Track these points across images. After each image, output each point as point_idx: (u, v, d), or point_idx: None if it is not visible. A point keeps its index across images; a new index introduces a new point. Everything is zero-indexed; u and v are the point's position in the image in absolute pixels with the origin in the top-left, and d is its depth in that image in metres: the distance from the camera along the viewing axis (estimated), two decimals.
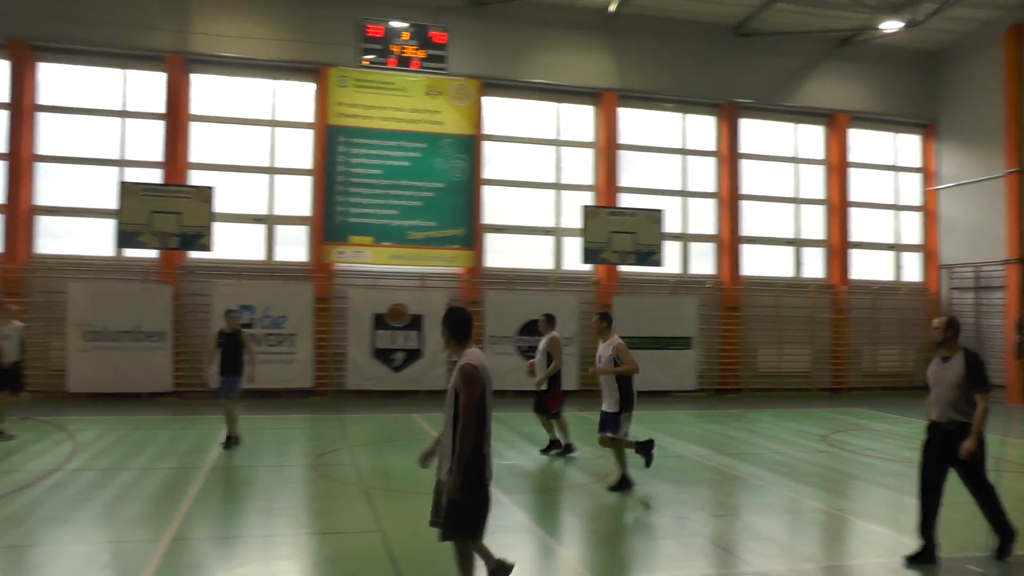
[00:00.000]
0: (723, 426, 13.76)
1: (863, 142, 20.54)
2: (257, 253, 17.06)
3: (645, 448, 8.83)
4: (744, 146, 19.47)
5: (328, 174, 16.84)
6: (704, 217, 19.45)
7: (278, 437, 11.84)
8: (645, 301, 18.09)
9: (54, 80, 16.71)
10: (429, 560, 6.36)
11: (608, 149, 18.37)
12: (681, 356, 18.07)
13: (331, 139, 16.85)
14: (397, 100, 17.15)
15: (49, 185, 16.64)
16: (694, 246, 19.37)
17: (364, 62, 16.35)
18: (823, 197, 20.27)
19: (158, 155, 16.62)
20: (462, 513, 4.79)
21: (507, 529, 7.34)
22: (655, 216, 17.91)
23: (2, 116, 16.37)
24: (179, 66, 16.55)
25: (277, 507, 7.89)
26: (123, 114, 16.82)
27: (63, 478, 9.05)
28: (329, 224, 16.76)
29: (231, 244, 16.67)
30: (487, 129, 17.95)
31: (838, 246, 19.96)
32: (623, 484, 8.64)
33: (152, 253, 16.38)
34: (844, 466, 10.35)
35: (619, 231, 17.54)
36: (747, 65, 19.13)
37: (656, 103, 19.03)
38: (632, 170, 18.84)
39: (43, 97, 16.59)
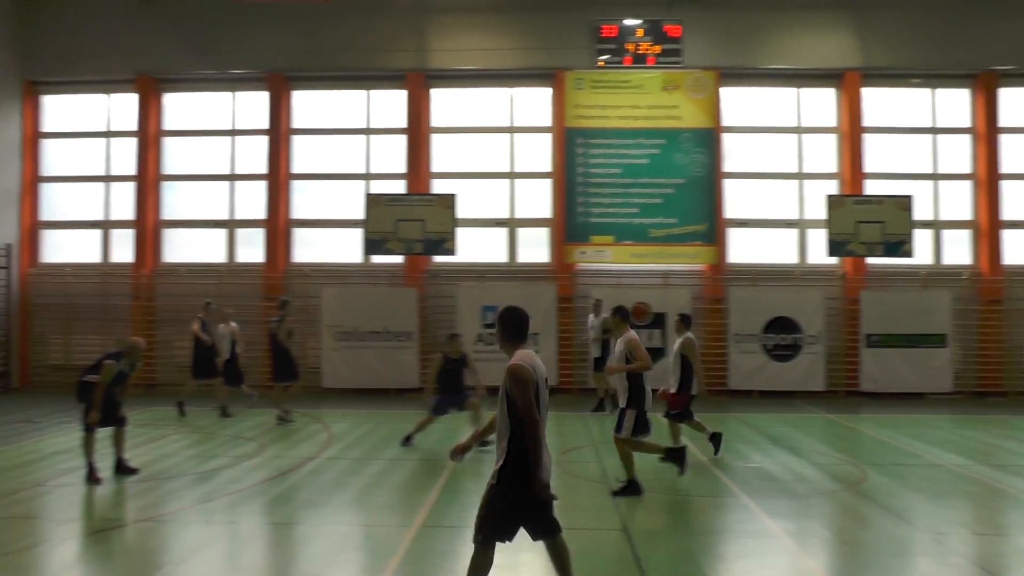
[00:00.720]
0: (984, 433, 12.76)
1: None
2: (499, 255, 17.75)
3: (676, 455, 8.45)
4: (1004, 119, 17.93)
5: (568, 176, 17.22)
6: (958, 202, 18.13)
7: None
8: (894, 295, 17.12)
9: (305, 105, 18.26)
10: (674, 561, 6.40)
11: (852, 133, 17.55)
12: (934, 355, 16.89)
13: (569, 141, 17.22)
14: (634, 98, 17.26)
15: (303, 200, 18.08)
16: (947, 234, 18.10)
17: (599, 63, 16.52)
18: None
19: (401, 167, 17.69)
20: (487, 511, 4.73)
21: (752, 535, 7.16)
22: (904, 203, 16.92)
23: (262, 141, 17.97)
24: (419, 83, 17.55)
25: None
26: (367, 131, 18.09)
27: (320, 465, 9.88)
28: (570, 225, 17.13)
29: (474, 247, 17.42)
30: (726, 121, 17.68)
31: None
32: (630, 488, 8.22)
33: (398, 259, 17.42)
34: None
35: (866, 221, 16.71)
36: (1006, 27, 17.47)
37: (902, 80, 17.96)
38: (878, 154, 17.88)
39: (296, 121, 18.17)
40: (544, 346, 16.63)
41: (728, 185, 17.64)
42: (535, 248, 17.71)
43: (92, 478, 8.80)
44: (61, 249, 18.90)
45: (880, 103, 17.97)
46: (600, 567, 6.19)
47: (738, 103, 17.90)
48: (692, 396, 10.16)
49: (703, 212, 17.18)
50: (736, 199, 17.71)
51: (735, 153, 17.80)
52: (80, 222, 18.84)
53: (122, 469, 9.20)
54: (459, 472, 9.46)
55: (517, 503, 4.67)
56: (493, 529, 4.76)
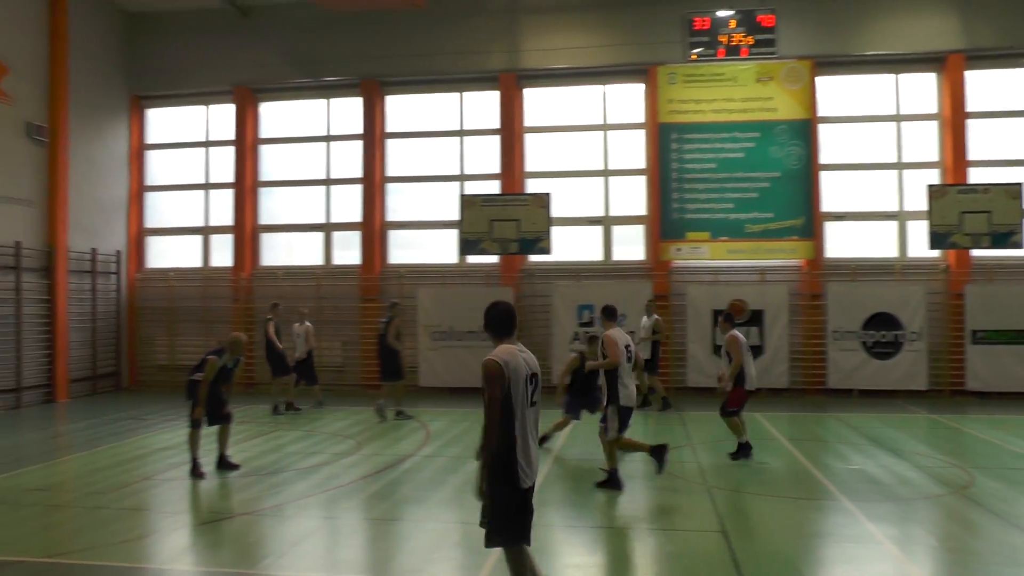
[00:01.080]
0: None
1: None
2: (595, 254, 18.10)
3: (658, 452, 8.91)
4: None
5: (662, 172, 17.46)
6: None
7: (643, 433, 12.26)
8: (1003, 289, 16.73)
9: (399, 110, 18.98)
10: (773, 564, 6.38)
11: (954, 119, 17.25)
12: None
13: (663, 137, 17.46)
14: (727, 91, 17.38)
15: (398, 202, 18.79)
16: None
17: (692, 56, 16.54)
18: None
19: (495, 167, 18.20)
20: (493, 517, 4.78)
21: (853, 539, 7.04)
22: (1013, 191, 16.54)
23: (357, 146, 18.78)
24: (511, 83, 18.05)
25: (621, 500, 8.32)
26: (461, 133, 18.66)
27: (418, 462, 10.32)
28: (665, 222, 17.37)
29: (569, 246, 17.81)
30: (822, 111, 17.61)
31: None
32: (611, 482, 8.66)
33: (493, 258, 17.92)
34: None
35: (971, 211, 16.41)
36: None
37: (1011, 60, 17.50)
38: (983, 141, 17.52)
39: (390, 126, 18.90)
40: (641, 346, 16.78)
41: (825, 177, 17.54)
42: (630, 246, 17.99)
43: (196, 472, 9.49)
44: (165, 255, 20.12)
45: (986, 86, 17.59)
46: (700, 567, 6.32)
47: (834, 92, 17.80)
48: (749, 393, 10.24)
49: (800, 206, 17.17)
50: (833, 191, 17.61)
51: (832, 144, 17.70)
52: (182, 228, 19.99)
53: (224, 464, 9.84)
54: (553, 471, 9.75)
55: (514, 497, 4.79)
56: (504, 531, 4.85)
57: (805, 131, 17.24)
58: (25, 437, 13.08)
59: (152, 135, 20.25)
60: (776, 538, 7.19)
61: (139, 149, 20.08)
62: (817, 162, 17.35)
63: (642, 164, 17.91)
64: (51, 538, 7.43)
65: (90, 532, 7.46)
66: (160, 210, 20.23)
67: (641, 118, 18.02)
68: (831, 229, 17.64)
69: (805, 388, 16.92)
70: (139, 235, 20.05)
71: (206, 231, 19.84)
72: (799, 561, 6.49)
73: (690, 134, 17.37)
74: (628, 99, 18.19)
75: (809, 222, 17.15)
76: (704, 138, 17.35)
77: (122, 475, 9.90)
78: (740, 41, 16.36)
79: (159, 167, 20.27)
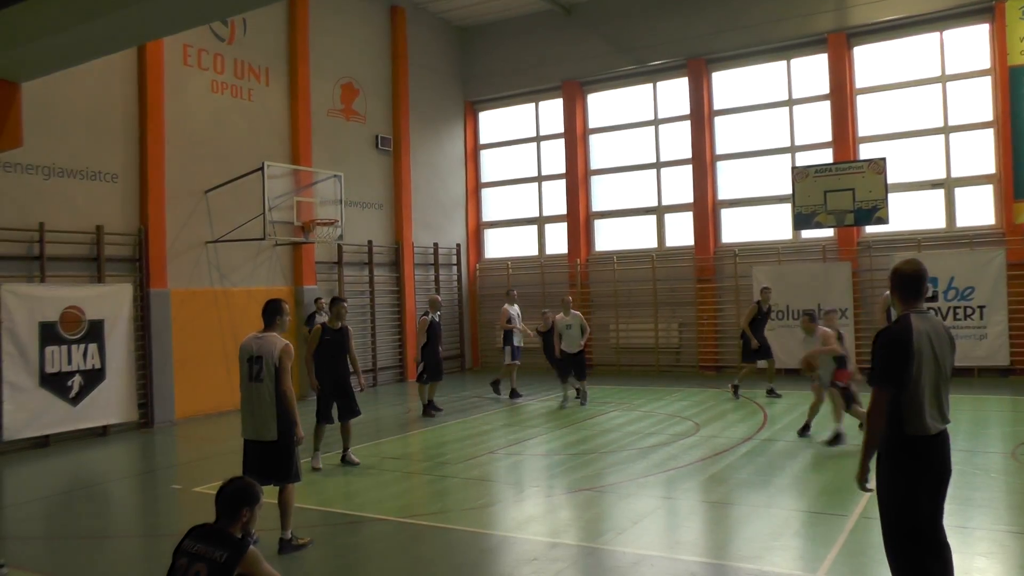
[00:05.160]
0: None
1: None
2: (936, 221, 21.02)
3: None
4: None
5: (1014, 122, 19.65)
6: None
7: (971, 420, 13.40)
8: None
9: (725, 85, 23.85)
10: None
11: None
12: None
13: (1014, 82, 19.58)
14: None
15: (728, 180, 23.70)
16: None
17: None
18: None
19: (826, 135, 22.17)
20: None
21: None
22: None
23: (684, 127, 23.96)
24: (840, 43, 21.88)
25: (974, 497, 8.89)
26: (789, 103, 22.99)
27: (756, 446, 12.13)
28: (1019, 179, 19.61)
29: (907, 214, 21.02)
30: None
31: None
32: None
33: (828, 232, 21.80)
34: None
35: None
36: None
37: None
38: None
39: (717, 103, 23.82)
40: (991, 320, 19.14)
41: None
42: (977, 209, 20.39)
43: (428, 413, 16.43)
44: (503, 245, 27.12)
45: None
46: None
47: None
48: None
49: None
50: None
51: None
52: (517, 220, 26.71)
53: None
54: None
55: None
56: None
57: None
58: (382, 412, 17.59)
59: (485, 136, 27.23)
60: None
61: (474, 150, 27.07)
62: None
63: (988, 116, 20.34)
64: (407, 501, 9.81)
65: (440, 498, 9.44)
66: (495, 204, 27.17)
67: (986, 63, 20.32)
68: None
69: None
70: (477, 228, 26.94)
71: (540, 221, 26.19)
72: None
73: None
74: (969, 44, 20.62)
75: None
76: None
77: (468, 448, 12.75)
78: None
79: (492, 164, 27.31)
